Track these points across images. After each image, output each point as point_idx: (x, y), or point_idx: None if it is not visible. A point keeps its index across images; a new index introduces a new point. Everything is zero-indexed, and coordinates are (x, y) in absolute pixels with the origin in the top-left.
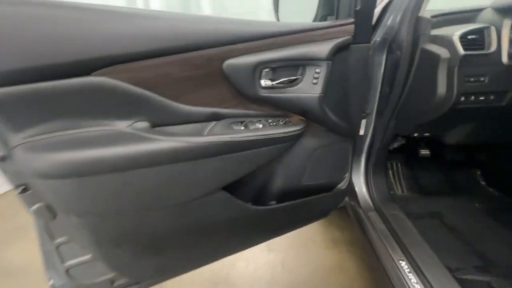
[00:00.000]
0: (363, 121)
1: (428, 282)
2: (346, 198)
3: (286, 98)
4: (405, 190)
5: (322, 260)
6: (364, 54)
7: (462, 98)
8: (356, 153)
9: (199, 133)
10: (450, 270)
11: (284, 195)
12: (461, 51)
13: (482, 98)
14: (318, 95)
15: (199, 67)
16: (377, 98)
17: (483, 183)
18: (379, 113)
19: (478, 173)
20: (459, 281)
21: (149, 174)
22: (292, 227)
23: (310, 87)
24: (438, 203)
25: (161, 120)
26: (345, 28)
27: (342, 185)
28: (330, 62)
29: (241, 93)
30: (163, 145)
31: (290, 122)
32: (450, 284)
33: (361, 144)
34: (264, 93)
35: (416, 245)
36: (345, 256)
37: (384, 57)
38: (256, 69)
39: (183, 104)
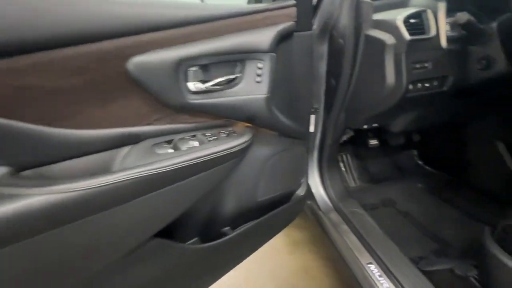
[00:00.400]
0: (312, 117)
1: (400, 283)
2: None
3: (225, 104)
4: (357, 181)
5: (286, 268)
6: (307, 43)
7: (411, 87)
8: (309, 151)
9: (105, 168)
10: (415, 262)
11: (238, 219)
12: (406, 36)
13: (427, 84)
14: (264, 96)
15: (86, 70)
16: (324, 91)
17: (420, 162)
18: (328, 107)
19: (415, 153)
20: (427, 274)
21: (28, 249)
22: (252, 251)
23: (253, 87)
24: (389, 188)
25: (35, 158)
26: (286, 11)
27: (300, 191)
28: (274, 54)
29: (162, 103)
30: (36, 202)
31: (234, 132)
32: (420, 281)
33: (311, 141)
34: (195, 100)
35: (381, 243)
36: (309, 258)
37: (326, 46)
38: (179, 69)
39: (73, 129)
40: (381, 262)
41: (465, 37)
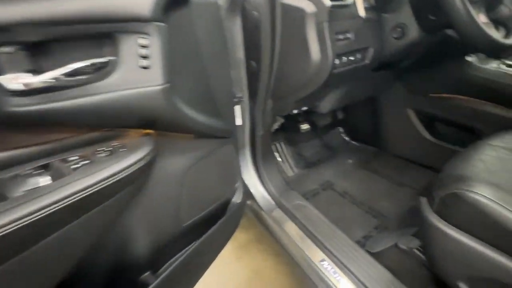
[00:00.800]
0: (237, 108)
1: (355, 276)
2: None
3: (92, 106)
4: (294, 169)
5: (236, 275)
6: (213, 14)
7: (337, 61)
8: (240, 148)
9: None
10: (362, 245)
11: (159, 258)
12: (327, 1)
13: (352, 58)
14: (160, 87)
15: None
16: (245, 76)
17: (347, 138)
18: (253, 94)
19: (342, 131)
20: (376, 256)
21: None
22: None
23: (138, 75)
24: (324, 170)
25: None
26: None
27: (237, 198)
28: (163, 25)
29: None
30: None
31: (122, 147)
32: (373, 267)
33: (241, 136)
34: (22, 107)
35: (328, 233)
36: (259, 259)
37: (239, 21)
38: None
39: None
40: (333, 256)
41: (379, 5)
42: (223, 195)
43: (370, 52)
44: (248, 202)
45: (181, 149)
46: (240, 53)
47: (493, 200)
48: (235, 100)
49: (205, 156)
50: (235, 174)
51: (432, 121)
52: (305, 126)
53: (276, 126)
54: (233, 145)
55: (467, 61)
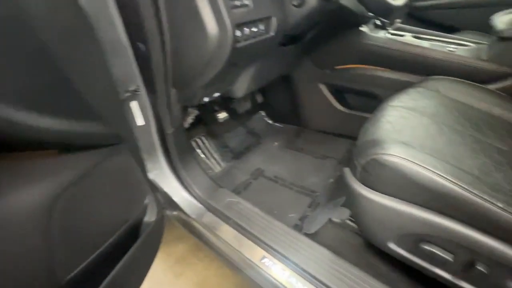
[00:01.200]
0: (134, 104)
1: (299, 267)
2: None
3: None
4: (222, 164)
5: None
6: None
7: (238, 33)
8: (147, 153)
9: None
10: (300, 229)
11: None
12: None
13: (254, 29)
14: None
15: None
16: (135, 63)
17: (270, 121)
18: (150, 85)
19: (263, 114)
20: (315, 237)
21: None
22: None
23: None
24: (253, 158)
25: None
26: None
27: (150, 216)
28: None
29: None
30: None
31: None
32: (314, 251)
33: (147, 138)
34: None
35: (265, 227)
36: (200, 268)
37: None
38: None
39: None
40: (273, 250)
41: None
42: (126, 219)
43: (274, 22)
44: (174, 212)
45: (38, 173)
46: (121, 34)
47: (406, 159)
48: (128, 95)
49: (83, 175)
50: (141, 187)
51: (342, 92)
52: (222, 115)
53: (190, 119)
54: (132, 152)
55: (361, 31)
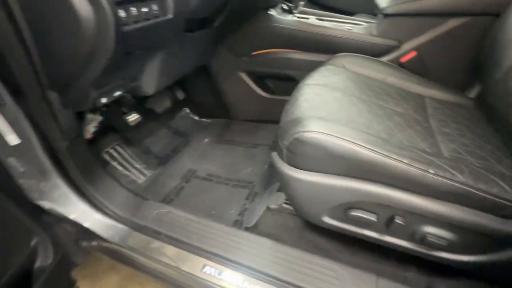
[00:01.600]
0: None
1: (238, 263)
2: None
3: None
4: (147, 172)
5: None
6: None
7: (123, 13)
8: (34, 179)
9: None
10: (239, 224)
11: None
12: None
13: (145, 9)
14: None
15: None
16: None
17: (196, 118)
18: (17, 92)
19: (188, 111)
20: (256, 230)
21: None
22: None
23: None
24: (182, 159)
25: None
26: None
27: (43, 259)
28: None
29: None
30: None
31: None
32: (259, 245)
33: (31, 160)
34: None
35: (203, 233)
36: None
37: None
38: None
39: None
40: (213, 256)
41: None
42: (5, 269)
43: (169, 2)
44: (93, 242)
45: None
46: None
47: (325, 133)
48: None
49: None
50: (21, 227)
51: (262, 78)
52: (132, 117)
53: (92, 128)
54: (1, 183)
55: (271, 15)
